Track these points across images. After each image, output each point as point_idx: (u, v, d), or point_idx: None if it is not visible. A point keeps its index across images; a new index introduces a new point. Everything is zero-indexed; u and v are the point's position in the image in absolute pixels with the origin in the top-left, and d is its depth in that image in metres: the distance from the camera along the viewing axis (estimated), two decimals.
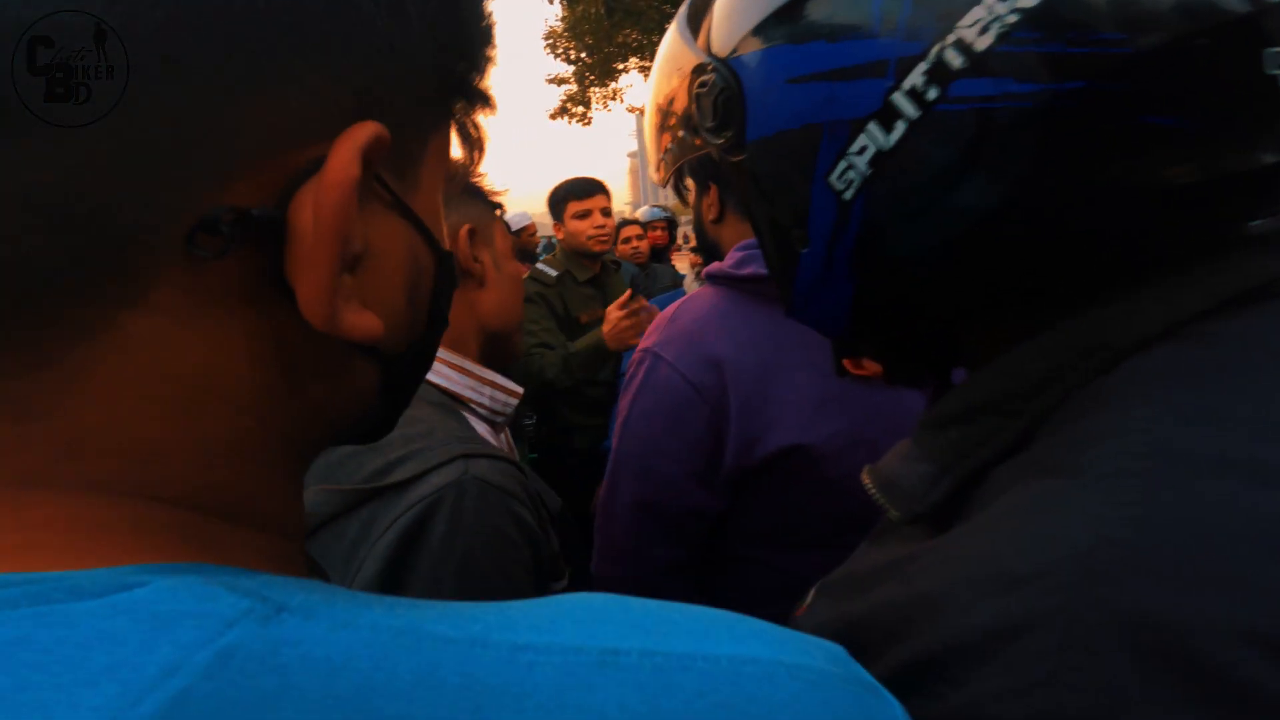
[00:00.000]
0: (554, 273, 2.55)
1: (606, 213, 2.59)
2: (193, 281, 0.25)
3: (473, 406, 0.91)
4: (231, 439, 0.28)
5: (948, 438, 0.42)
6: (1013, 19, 0.36)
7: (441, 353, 0.89)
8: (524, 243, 4.72)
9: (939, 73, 0.37)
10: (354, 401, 0.33)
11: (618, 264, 2.90)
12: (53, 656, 0.20)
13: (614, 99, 14.82)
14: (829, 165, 0.41)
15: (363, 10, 0.27)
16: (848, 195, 0.41)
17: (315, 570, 0.75)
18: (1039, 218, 0.38)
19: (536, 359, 2.36)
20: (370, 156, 0.27)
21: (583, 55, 13.92)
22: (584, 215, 2.56)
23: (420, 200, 0.33)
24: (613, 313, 2.21)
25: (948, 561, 0.37)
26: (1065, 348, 0.39)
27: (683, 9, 0.55)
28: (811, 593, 0.56)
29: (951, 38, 0.37)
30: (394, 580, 0.69)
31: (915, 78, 0.37)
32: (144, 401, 0.26)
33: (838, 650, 0.28)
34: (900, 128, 0.38)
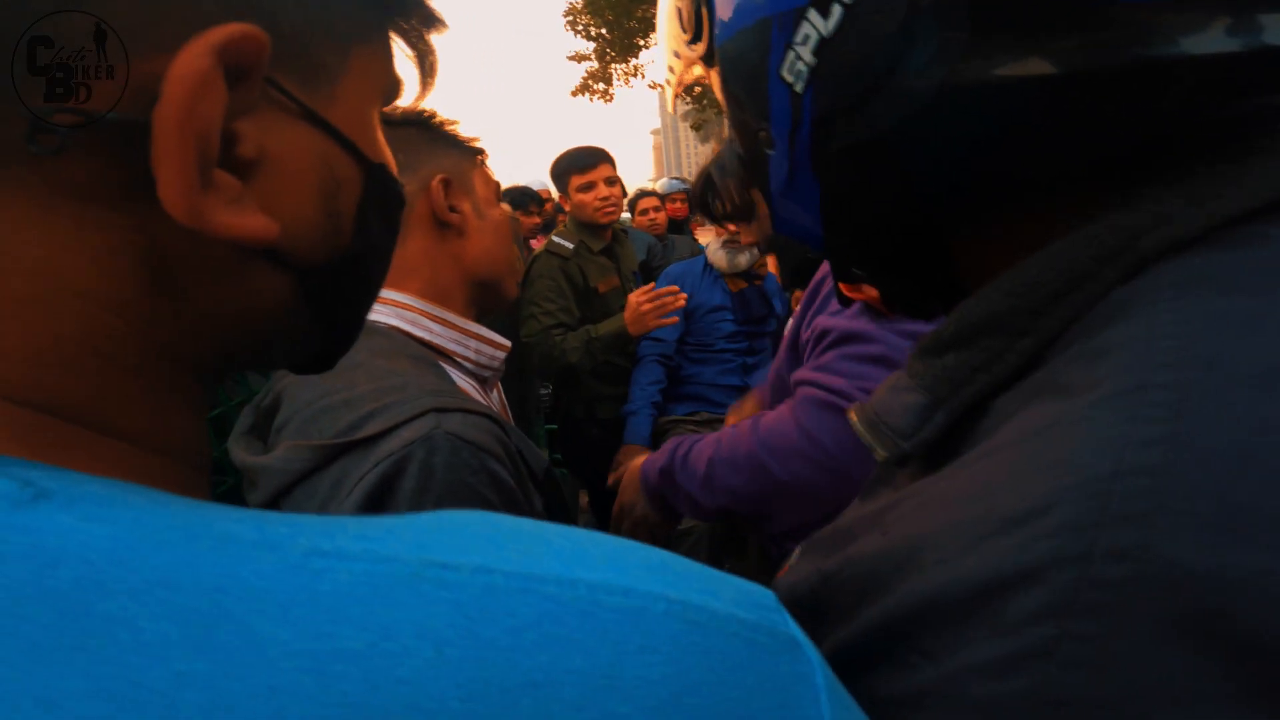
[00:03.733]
0: (570, 245, 2.48)
1: (611, 182, 2.49)
2: (41, 177, 0.25)
3: (458, 361, 0.86)
4: (90, 337, 0.26)
5: (942, 364, 0.37)
6: None
7: (424, 305, 0.85)
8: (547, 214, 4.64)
9: None
10: (259, 311, 0.31)
11: (625, 230, 2.83)
12: None
13: (635, 75, 14.63)
14: (780, 59, 0.38)
15: None
16: (798, 88, 0.38)
17: None
18: (990, 104, 0.33)
19: (556, 341, 2.32)
20: (241, 58, 0.26)
21: (603, 31, 13.76)
22: (588, 188, 2.47)
23: (341, 111, 0.32)
24: (634, 299, 2.18)
25: (929, 505, 0.31)
26: (1082, 255, 0.33)
27: None
28: (796, 553, 0.51)
29: None
30: None
31: None
32: None
33: (764, 596, 0.22)
34: (837, 12, 0.35)
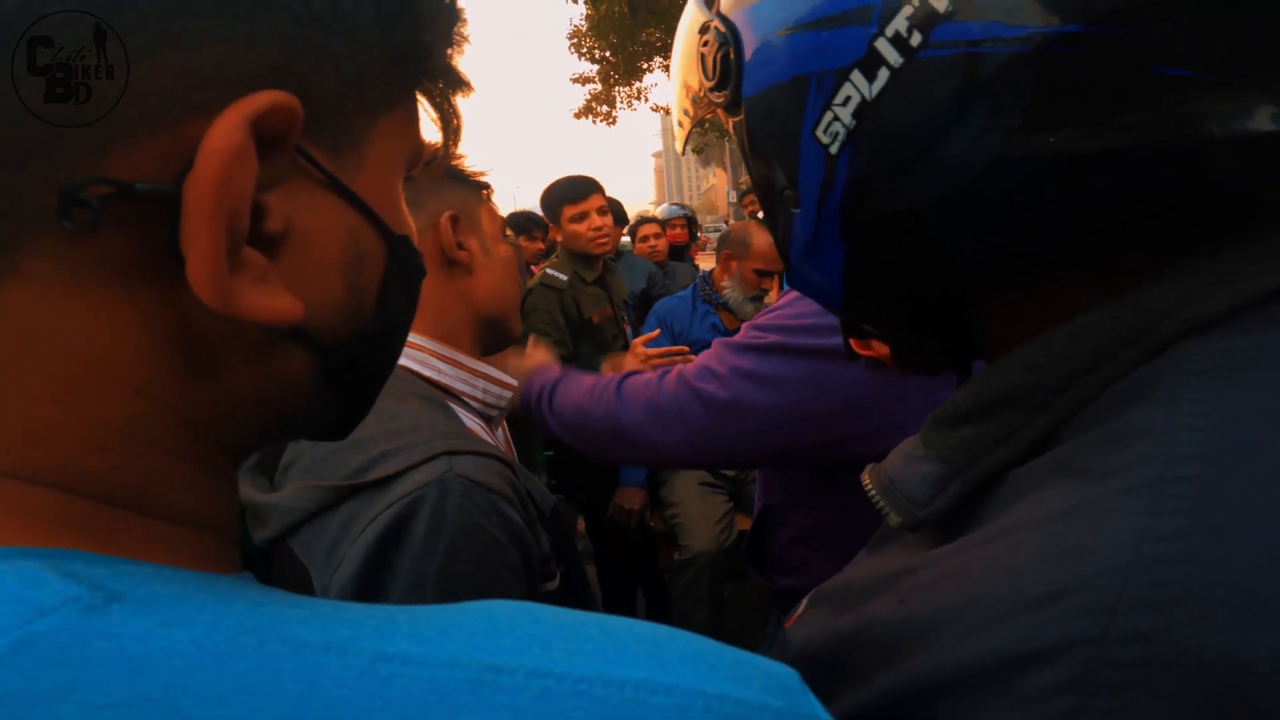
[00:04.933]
0: (564, 277, 2.51)
1: (603, 211, 2.51)
2: (72, 254, 0.24)
3: (465, 400, 0.87)
4: (127, 422, 0.26)
5: (959, 435, 0.38)
6: None
7: (432, 345, 0.86)
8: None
9: (922, 16, 0.33)
10: (284, 390, 0.30)
11: (617, 258, 2.85)
12: None
13: (638, 98, 14.79)
14: (815, 119, 0.38)
15: None
16: (833, 149, 0.38)
17: (296, 568, 0.72)
18: (1042, 177, 0.34)
19: None
20: (273, 128, 0.25)
21: (607, 54, 13.92)
22: (580, 219, 2.49)
23: (367, 180, 0.31)
24: (639, 347, 2.21)
25: (949, 578, 0.32)
26: (1104, 333, 0.34)
27: None
28: (804, 602, 0.52)
29: None
30: (373, 580, 0.65)
31: (899, 22, 0.34)
32: (25, 378, 0.24)
33: (787, 678, 0.23)
34: (884, 76, 0.35)
